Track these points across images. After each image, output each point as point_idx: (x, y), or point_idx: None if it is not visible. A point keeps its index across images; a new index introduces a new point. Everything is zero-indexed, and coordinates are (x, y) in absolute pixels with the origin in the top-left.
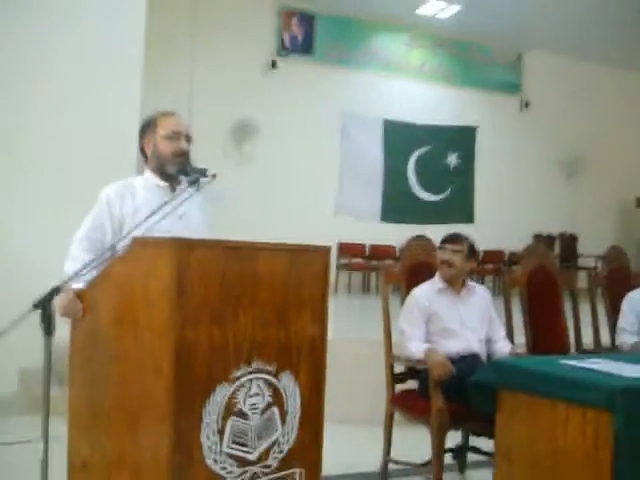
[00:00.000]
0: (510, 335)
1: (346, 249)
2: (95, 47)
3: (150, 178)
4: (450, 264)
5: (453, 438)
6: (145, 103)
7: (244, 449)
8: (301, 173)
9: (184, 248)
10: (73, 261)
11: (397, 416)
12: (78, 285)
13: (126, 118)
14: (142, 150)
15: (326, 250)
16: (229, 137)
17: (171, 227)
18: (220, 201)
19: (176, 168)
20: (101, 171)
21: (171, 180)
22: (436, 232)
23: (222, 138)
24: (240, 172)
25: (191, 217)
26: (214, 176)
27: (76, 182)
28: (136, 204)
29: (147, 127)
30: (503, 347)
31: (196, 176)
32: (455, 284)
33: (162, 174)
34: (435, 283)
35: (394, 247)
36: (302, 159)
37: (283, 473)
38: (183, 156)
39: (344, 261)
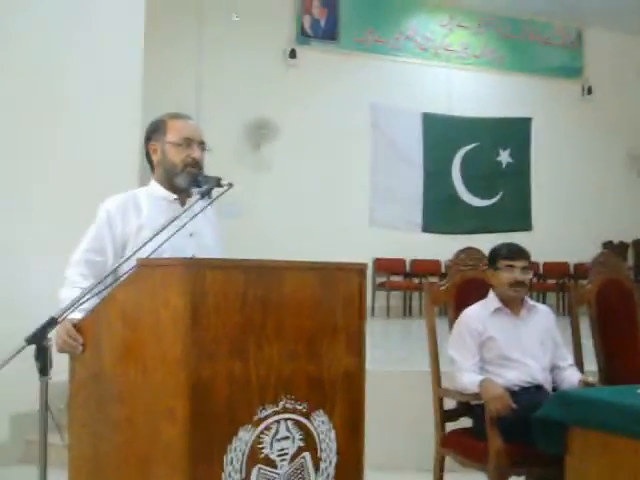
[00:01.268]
0: (579, 362)
1: (383, 266)
2: (91, 42)
3: (156, 190)
4: (525, 285)
5: None
6: (147, 99)
7: None
8: (328, 179)
9: (198, 270)
10: (70, 288)
11: (448, 460)
12: (77, 315)
13: (127, 120)
14: (147, 157)
15: (361, 268)
16: (243, 140)
17: (182, 246)
18: (236, 214)
19: (187, 179)
20: (100, 182)
21: (181, 192)
22: (487, 243)
23: (235, 141)
24: (257, 180)
25: (204, 234)
26: (230, 186)
27: (72, 194)
28: (140, 220)
29: (154, 131)
30: (571, 376)
31: (209, 186)
32: (513, 304)
33: (170, 186)
34: (489, 303)
35: (439, 262)
36: (328, 162)
37: None
38: (195, 166)
39: (381, 280)
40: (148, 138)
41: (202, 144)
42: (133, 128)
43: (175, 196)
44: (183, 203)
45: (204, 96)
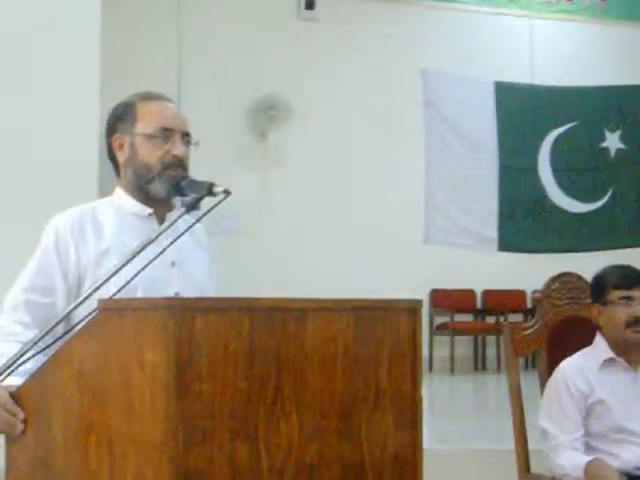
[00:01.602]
0: None
1: (444, 300)
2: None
3: (124, 202)
4: None
5: None
6: (107, 76)
7: None
8: (363, 179)
9: (184, 314)
10: (5, 342)
11: None
12: (14, 381)
13: (79, 105)
14: (110, 155)
15: (413, 306)
16: (243, 127)
17: (160, 280)
18: (236, 231)
19: (166, 186)
20: (45, 192)
21: (158, 204)
22: (591, 265)
23: (232, 129)
24: (264, 183)
25: (191, 262)
26: (227, 194)
27: (3, 212)
28: (103, 245)
29: (119, 119)
30: None
31: (197, 196)
32: (632, 352)
33: (143, 195)
34: (597, 351)
35: (523, 292)
36: (363, 155)
37: None
38: (178, 167)
39: (442, 320)
40: (111, 129)
41: (186, 136)
42: (89, 116)
43: (150, 210)
44: (162, 219)
45: (186, 68)
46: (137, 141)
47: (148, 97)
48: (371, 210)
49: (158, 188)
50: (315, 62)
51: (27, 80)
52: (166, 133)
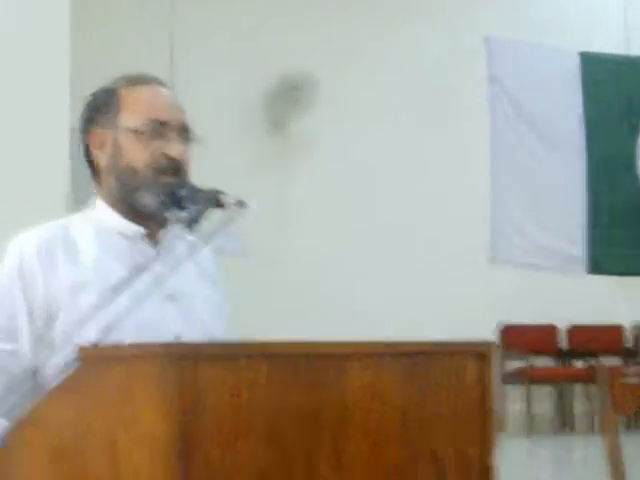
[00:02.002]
0: None
1: (517, 338)
2: None
3: (105, 217)
4: None
5: None
6: (80, 62)
7: None
8: (410, 176)
9: (186, 363)
10: None
11: None
12: None
13: (46, 93)
14: (87, 157)
15: (483, 349)
16: (258, 113)
17: (155, 320)
18: (244, 252)
19: (158, 196)
20: (1, 205)
21: (149, 220)
22: None
23: (242, 118)
24: (283, 182)
25: (194, 296)
26: (242, 205)
27: None
28: (79, 274)
29: (97, 109)
30: None
31: (200, 208)
32: None
33: (130, 208)
34: None
35: (620, 328)
36: (410, 146)
37: None
38: (173, 170)
39: (514, 364)
40: (87, 122)
41: (185, 131)
42: (56, 107)
43: (141, 228)
44: (155, 240)
45: (180, 48)
46: (121, 137)
47: (135, 81)
48: (421, 221)
49: (147, 199)
50: (347, 32)
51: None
52: (158, 127)
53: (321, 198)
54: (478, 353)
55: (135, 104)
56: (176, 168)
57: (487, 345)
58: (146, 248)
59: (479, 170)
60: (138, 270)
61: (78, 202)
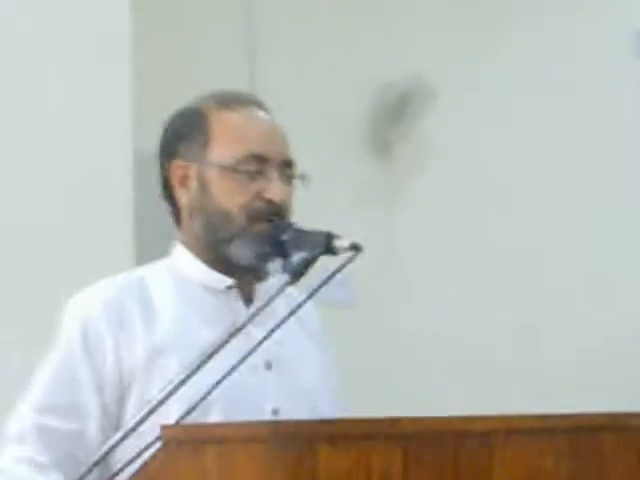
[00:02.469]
0: None
1: None
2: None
3: (189, 267)
4: None
5: None
6: (144, 78)
7: None
8: (553, 196)
9: (301, 447)
10: None
11: None
12: None
13: (103, 114)
14: (167, 192)
15: None
16: (357, 137)
17: (249, 391)
18: (348, 303)
19: (254, 249)
20: (53, 256)
21: (243, 273)
22: None
23: (339, 143)
24: (390, 220)
25: (296, 363)
26: (356, 250)
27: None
28: (157, 337)
29: (181, 137)
30: None
31: (309, 255)
32: None
33: (219, 258)
34: None
35: None
36: (546, 165)
37: None
38: (274, 217)
39: None
40: (168, 150)
41: (288, 167)
42: (118, 128)
43: (231, 281)
44: (249, 295)
45: (262, 52)
46: (210, 174)
47: (228, 102)
48: (574, 253)
49: (242, 252)
50: (471, 26)
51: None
52: (257, 164)
53: (434, 237)
54: None
55: (228, 133)
56: (277, 214)
57: None
58: (236, 304)
59: (630, 183)
60: (230, 334)
61: (143, 248)
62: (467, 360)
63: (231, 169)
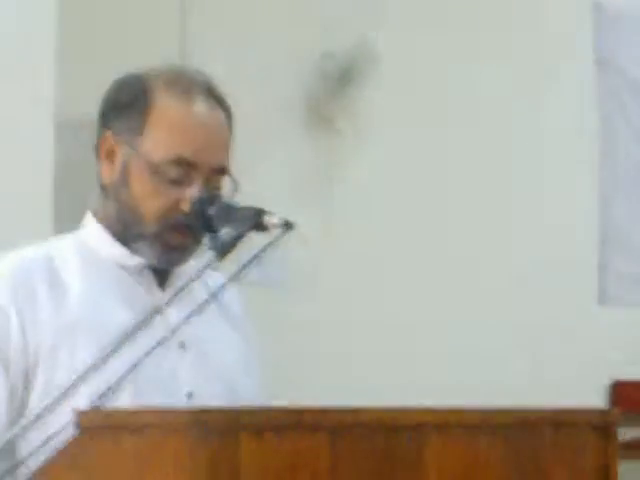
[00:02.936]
0: None
1: (636, 400)
2: None
3: (102, 244)
4: None
5: None
6: (68, 44)
7: None
8: (493, 184)
9: (222, 436)
10: None
11: None
12: None
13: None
14: (97, 154)
15: (605, 419)
16: (298, 105)
17: (162, 373)
18: (280, 284)
19: (160, 254)
20: None
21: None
22: None
23: (273, 112)
24: (327, 196)
25: (213, 344)
26: (287, 227)
27: None
28: (66, 315)
29: (118, 110)
30: None
31: (238, 231)
32: None
33: (133, 241)
34: None
35: None
36: (493, 147)
37: None
38: (188, 229)
39: (631, 433)
40: (104, 118)
41: (221, 172)
42: (41, 93)
43: (143, 261)
44: (163, 278)
45: (192, 24)
46: (134, 163)
47: (176, 87)
48: (508, 247)
49: (148, 254)
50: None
51: None
52: (183, 169)
53: (371, 216)
54: (599, 425)
55: (164, 127)
56: (190, 227)
57: (608, 413)
58: (150, 283)
59: (584, 178)
60: (144, 317)
61: (64, 212)
62: (400, 343)
63: (155, 169)
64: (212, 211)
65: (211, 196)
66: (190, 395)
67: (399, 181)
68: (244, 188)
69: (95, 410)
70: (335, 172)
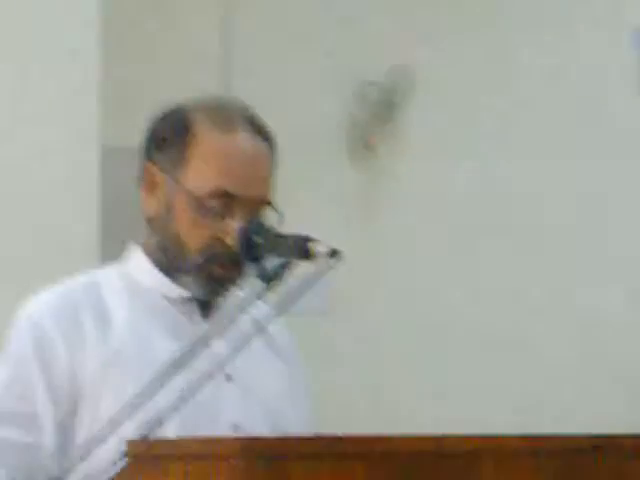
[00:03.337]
0: None
1: None
2: None
3: (146, 274)
4: None
5: None
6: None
7: None
8: (562, 211)
9: (269, 464)
10: None
11: None
12: None
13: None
14: (143, 184)
15: None
16: (338, 131)
17: (208, 404)
18: (319, 310)
19: (205, 287)
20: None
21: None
22: None
23: (317, 137)
24: (369, 221)
25: (259, 376)
26: (335, 256)
27: None
28: (111, 345)
29: (160, 142)
30: None
31: (284, 260)
32: None
33: (176, 273)
34: None
35: None
36: (561, 173)
37: None
38: (232, 263)
39: None
40: (146, 150)
41: (264, 203)
42: (86, 123)
43: (186, 292)
44: (206, 308)
45: (238, 47)
46: (177, 196)
47: (219, 119)
48: (573, 276)
49: (191, 286)
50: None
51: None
52: (226, 202)
53: (416, 241)
54: None
55: (207, 160)
56: (234, 260)
57: None
58: (194, 314)
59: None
60: (189, 349)
61: (111, 242)
62: (451, 368)
63: (197, 202)
64: (258, 240)
65: (257, 225)
66: (236, 427)
67: (443, 205)
68: (287, 216)
69: (144, 440)
70: (378, 198)
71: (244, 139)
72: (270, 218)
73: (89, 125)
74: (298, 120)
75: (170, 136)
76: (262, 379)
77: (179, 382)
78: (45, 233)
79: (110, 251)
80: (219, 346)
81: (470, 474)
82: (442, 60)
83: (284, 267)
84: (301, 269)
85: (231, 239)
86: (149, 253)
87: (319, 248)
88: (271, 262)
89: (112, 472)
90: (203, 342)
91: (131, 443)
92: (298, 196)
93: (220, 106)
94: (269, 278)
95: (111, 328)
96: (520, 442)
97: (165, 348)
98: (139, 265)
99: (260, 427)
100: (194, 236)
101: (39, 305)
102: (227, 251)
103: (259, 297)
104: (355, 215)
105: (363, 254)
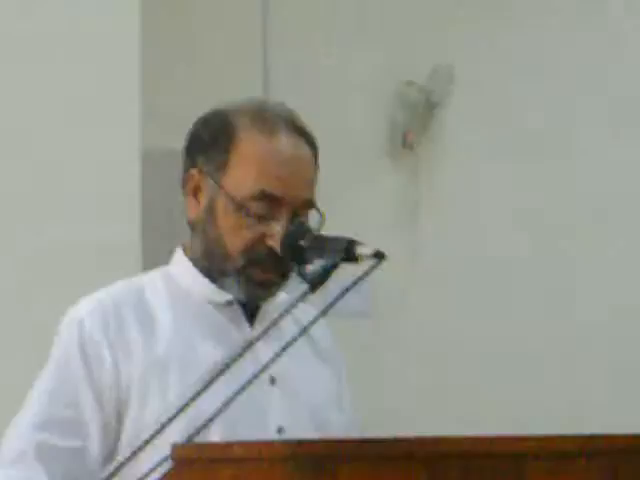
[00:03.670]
0: None
1: None
2: None
3: (191, 280)
4: None
5: None
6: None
7: None
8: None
9: (318, 466)
10: None
11: None
12: None
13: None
14: (185, 190)
15: None
16: (381, 128)
17: (252, 408)
18: (362, 313)
19: (247, 290)
20: (54, 259)
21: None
22: None
23: (357, 138)
24: (414, 222)
25: (303, 379)
26: (380, 258)
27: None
28: (155, 350)
29: (202, 146)
30: None
31: (330, 263)
32: None
33: (220, 277)
34: None
35: None
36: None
37: None
38: (274, 265)
39: None
40: (189, 154)
41: (306, 206)
42: (127, 126)
43: (230, 296)
44: (251, 312)
45: (276, 48)
46: (220, 200)
47: (261, 122)
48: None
49: (235, 290)
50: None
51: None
52: (268, 205)
53: (461, 241)
54: None
55: (249, 163)
56: (273, 259)
57: None
58: (239, 319)
59: None
60: (234, 353)
61: (153, 247)
62: (493, 372)
63: (239, 205)
64: (304, 243)
65: (302, 228)
66: (280, 430)
67: (483, 206)
68: (329, 218)
69: (191, 444)
70: (418, 198)
71: (286, 142)
72: (313, 220)
73: (130, 128)
74: (338, 121)
75: (213, 140)
76: (306, 382)
77: (224, 386)
78: (87, 237)
79: (151, 254)
80: (263, 349)
81: (520, 475)
82: (482, 60)
83: (328, 270)
84: (344, 271)
85: (275, 242)
86: (192, 257)
87: (363, 250)
88: (315, 265)
89: (157, 476)
90: (248, 347)
91: (176, 447)
92: (339, 198)
93: (262, 109)
94: (313, 281)
95: (156, 333)
96: (569, 443)
97: (209, 353)
98: (183, 269)
99: (305, 430)
100: (236, 239)
101: (84, 310)
102: (269, 254)
103: (303, 300)
104: (395, 216)
105: (404, 255)
